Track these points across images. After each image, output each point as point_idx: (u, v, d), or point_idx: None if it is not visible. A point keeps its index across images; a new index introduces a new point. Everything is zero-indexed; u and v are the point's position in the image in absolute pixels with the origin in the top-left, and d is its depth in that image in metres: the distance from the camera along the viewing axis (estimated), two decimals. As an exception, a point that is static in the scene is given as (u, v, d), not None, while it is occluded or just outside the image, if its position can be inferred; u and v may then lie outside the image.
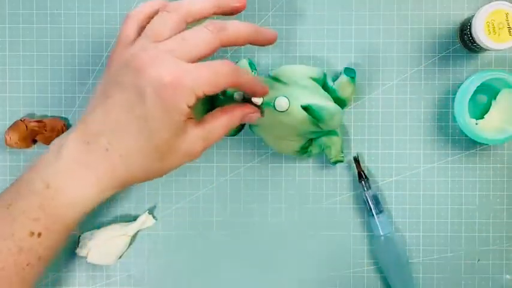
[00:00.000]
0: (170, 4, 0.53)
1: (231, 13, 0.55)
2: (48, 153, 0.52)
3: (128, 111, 0.49)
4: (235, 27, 0.53)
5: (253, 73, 0.63)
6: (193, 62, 0.50)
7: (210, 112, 0.54)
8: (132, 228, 0.64)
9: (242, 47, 0.65)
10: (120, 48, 0.53)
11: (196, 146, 0.52)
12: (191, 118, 0.52)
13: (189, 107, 0.49)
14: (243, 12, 0.64)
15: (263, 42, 0.55)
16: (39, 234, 0.50)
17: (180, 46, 0.50)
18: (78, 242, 0.65)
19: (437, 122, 0.65)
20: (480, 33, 0.58)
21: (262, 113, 0.58)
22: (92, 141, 0.50)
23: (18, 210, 0.50)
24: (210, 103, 0.62)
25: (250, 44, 0.54)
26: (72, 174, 0.50)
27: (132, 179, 0.52)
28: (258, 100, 0.57)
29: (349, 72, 0.63)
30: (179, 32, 0.51)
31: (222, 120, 0.54)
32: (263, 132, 0.62)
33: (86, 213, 0.52)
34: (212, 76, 0.49)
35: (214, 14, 0.54)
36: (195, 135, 0.52)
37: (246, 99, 0.59)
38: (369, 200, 0.63)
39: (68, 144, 0.51)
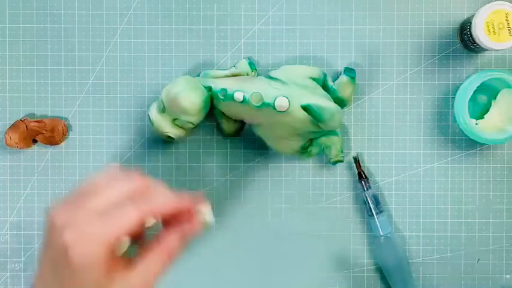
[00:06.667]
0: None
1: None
2: None
3: (55, 279, 0.46)
4: (162, 204, 0.48)
5: (253, 73, 0.63)
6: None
7: (140, 249, 0.48)
8: (132, 228, 0.64)
9: (242, 46, 0.65)
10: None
11: None
12: (117, 263, 0.46)
13: (102, 258, 0.45)
14: (242, 13, 0.65)
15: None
16: None
17: (91, 199, 0.46)
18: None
19: (437, 122, 0.65)
20: (480, 33, 0.58)
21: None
22: None
23: None
24: (210, 105, 0.62)
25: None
26: None
27: None
28: (207, 217, 0.50)
29: (349, 72, 0.63)
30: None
31: (157, 255, 0.47)
32: (263, 132, 0.62)
33: None
34: (118, 219, 0.45)
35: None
36: (130, 282, 0.46)
37: (247, 101, 0.59)
38: (369, 200, 0.63)
39: None
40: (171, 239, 0.48)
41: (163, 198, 0.48)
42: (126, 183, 0.48)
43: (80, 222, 0.45)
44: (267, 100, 0.58)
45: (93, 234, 0.44)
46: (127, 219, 0.45)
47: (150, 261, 0.47)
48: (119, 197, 0.47)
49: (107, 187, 0.48)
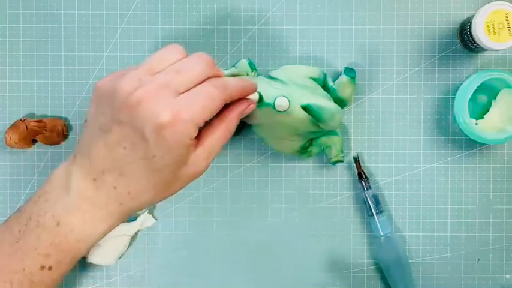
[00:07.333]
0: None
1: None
2: (53, 184, 0.51)
3: (131, 150, 0.47)
4: (234, 86, 0.50)
5: (253, 73, 0.63)
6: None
7: (206, 126, 0.50)
8: (132, 228, 0.64)
9: (242, 46, 0.65)
10: (115, 76, 0.49)
11: (199, 167, 0.50)
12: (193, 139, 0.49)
13: (192, 138, 0.47)
14: (242, 13, 0.65)
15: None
16: (50, 268, 0.50)
17: (175, 79, 0.47)
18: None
19: (437, 122, 0.65)
20: (480, 33, 0.58)
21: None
22: (98, 178, 0.49)
23: (29, 247, 0.50)
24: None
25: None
26: (82, 212, 0.50)
27: (140, 208, 0.51)
28: (254, 97, 0.54)
29: (349, 72, 0.63)
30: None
31: (220, 131, 0.50)
32: (263, 132, 0.62)
33: (97, 242, 0.52)
34: (207, 102, 0.47)
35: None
36: (198, 157, 0.49)
37: None
38: (368, 200, 0.63)
39: (74, 179, 0.50)
40: (232, 116, 0.51)
41: (234, 81, 0.50)
42: (200, 62, 0.48)
43: (169, 103, 0.46)
44: (267, 100, 0.58)
45: (187, 117, 0.46)
46: (213, 103, 0.47)
47: (215, 137, 0.50)
48: (198, 77, 0.48)
49: (184, 66, 0.48)
